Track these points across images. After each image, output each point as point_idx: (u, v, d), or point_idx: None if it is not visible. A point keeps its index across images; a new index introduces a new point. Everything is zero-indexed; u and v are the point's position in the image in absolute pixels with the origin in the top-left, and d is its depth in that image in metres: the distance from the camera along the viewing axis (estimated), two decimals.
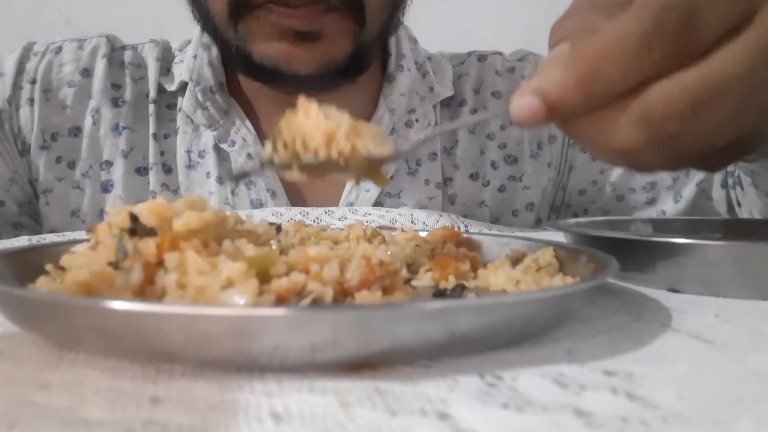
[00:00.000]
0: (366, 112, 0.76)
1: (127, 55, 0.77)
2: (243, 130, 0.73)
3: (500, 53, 0.85)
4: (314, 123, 0.33)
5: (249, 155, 0.72)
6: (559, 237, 0.48)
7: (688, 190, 0.80)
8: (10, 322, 0.27)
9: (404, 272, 0.34)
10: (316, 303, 0.25)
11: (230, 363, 0.23)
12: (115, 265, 0.26)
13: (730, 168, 0.76)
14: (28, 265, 0.31)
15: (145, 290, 0.26)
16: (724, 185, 0.78)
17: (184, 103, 0.74)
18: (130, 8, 1.37)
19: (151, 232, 0.27)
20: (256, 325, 0.21)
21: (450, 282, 0.36)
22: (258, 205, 0.73)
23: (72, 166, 0.74)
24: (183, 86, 0.74)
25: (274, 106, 0.72)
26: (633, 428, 0.18)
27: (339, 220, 0.66)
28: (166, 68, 0.77)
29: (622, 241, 0.40)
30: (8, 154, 0.73)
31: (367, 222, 0.63)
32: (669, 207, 0.81)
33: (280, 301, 0.25)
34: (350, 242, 0.43)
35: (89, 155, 0.74)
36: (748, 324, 0.30)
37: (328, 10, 0.62)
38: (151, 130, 0.74)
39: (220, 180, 0.73)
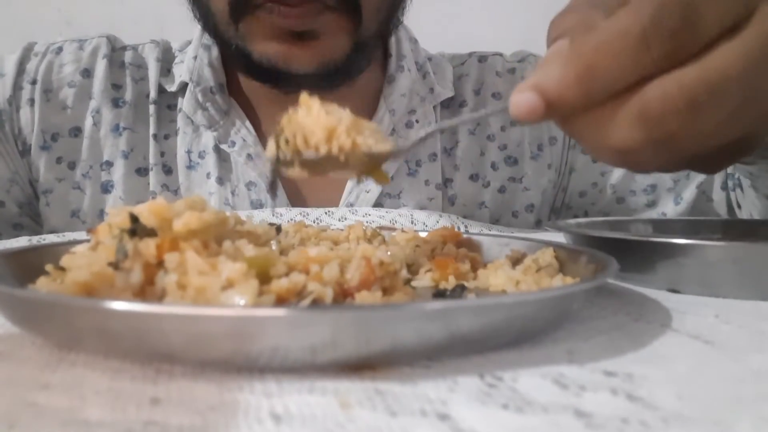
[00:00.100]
0: (366, 112, 0.76)
1: (128, 56, 0.77)
2: (243, 131, 0.73)
3: (501, 54, 0.85)
4: (315, 119, 0.33)
5: (249, 156, 0.72)
6: (559, 237, 0.48)
7: (689, 192, 0.80)
8: (10, 323, 0.27)
9: (404, 273, 0.34)
10: (316, 303, 0.25)
11: (230, 363, 0.23)
12: (115, 266, 0.26)
13: (729, 170, 0.76)
14: (28, 266, 0.31)
15: (145, 291, 0.26)
16: (724, 187, 0.78)
17: (184, 103, 0.74)
18: (130, 8, 1.37)
19: (151, 233, 0.27)
20: (256, 325, 0.21)
21: (450, 282, 0.36)
22: (258, 205, 0.73)
23: (72, 166, 0.74)
24: (183, 87, 0.74)
25: (274, 107, 0.71)
26: (633, 429, 0.18)
27: (339, 220, 0.66)
28: (166, 69, 0.77)
29: (622, 242, 0.40)
30: (8, 155, 0.73)
31: (367, 222, 0.63)
32: (669, 209, 0.81)
33: (280, 301, 0.25)
34: (350, 243, 0.43)
35: (89, 156, 0.74)
36: (748, 324, 0.30)
37: (324, 9, 0.62)
38: (152, 130, 0.74)
39: (220, 180, 0.73)
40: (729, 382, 0.22)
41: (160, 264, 0.26)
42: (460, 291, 0.34)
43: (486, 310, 0.24)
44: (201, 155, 0.74)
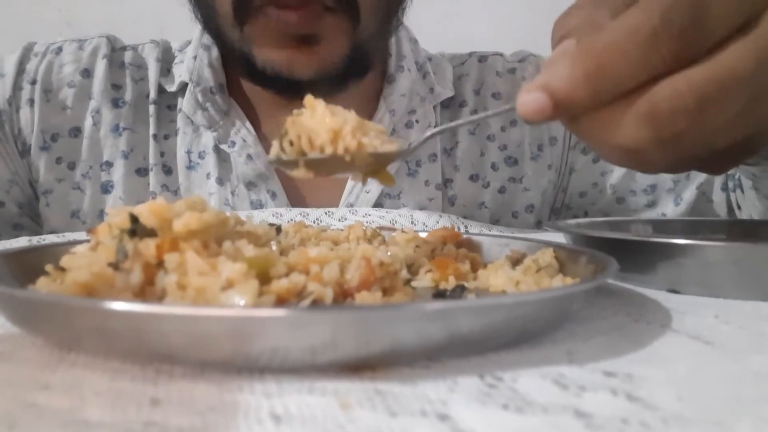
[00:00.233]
0: (366, 112, 0.76)
1: (128, 56, 0.77)
2: (243, 131, 0.73)
3: (501, 54, 0.85)
4: (320, 120, 0.33)
5: (249, 156, 0.72)
6: (559, 238, 0.48)
7: (689, 193, 0.80)
8: (10, 323, 0.27)
9: (404, 273, 0.34)
10: (316, 304, 0.25)
11: (230, 364, 0.23)
12: (115, 266, 0.26)
13: (730, 171, 0.76)
14: (28, 266, 0.31)
15: (145, 291, 0.26)
16: (725, 188, 0.78)
17: (184, 103, 0.74)
18: (130, 9, 1.37)
19: (151, 233, 0.27)
20: (256, 326, 0.21)
21: (450, 283, 0.36)
22: (258, 206, 0.73)
23: (72, 166, 0.74)
24: (183, 87, 0.74)
25: (275, 108, 0.72)
26: (633, 429, 0.18)
27: (339, 221, 0.66)
28: (166, 69, 0.77)
29: (622, 242, 0.40)
30: (8, 155, 0.73)
31: (367, 223, 0.63)
32: (669, 210, 0.81)
33: (280, 302, 0.25)
34: (350, 243, 0.43)
35: (89, 156, 0.74)
36: (748, 325, 0.30)
37: (324, 11, 0.62)
38: (152, 130, 0.74)
39: (220, 181, 0.73)
40: (729, 382, 0.22)
41: (160, 264, 0.26)
42: (460, 291, 0.34)
43: (486, 311, 0.24)
44: (201, 155, 0.74)
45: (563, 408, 0.20)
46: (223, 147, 0.73)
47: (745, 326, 0.30)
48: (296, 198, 0.75)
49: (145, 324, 0.22)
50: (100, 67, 0.75)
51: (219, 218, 0.29)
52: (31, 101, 0.73)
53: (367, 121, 0.34)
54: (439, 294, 0.34)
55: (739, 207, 0.76)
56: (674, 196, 0.81)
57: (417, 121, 0.77)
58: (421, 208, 0.76)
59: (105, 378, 0.22)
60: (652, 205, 0.82)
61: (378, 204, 0.75)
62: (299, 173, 0.34)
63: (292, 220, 0.64)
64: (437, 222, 0.67)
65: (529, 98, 0.29)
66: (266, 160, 0.72)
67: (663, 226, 0.59)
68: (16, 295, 0.25)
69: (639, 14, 0.27)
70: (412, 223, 0.67)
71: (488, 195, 0.80)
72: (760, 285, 0.35)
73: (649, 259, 0.38)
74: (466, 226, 0.69)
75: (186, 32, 0.78)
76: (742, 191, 0.72)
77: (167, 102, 0.76)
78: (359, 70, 0.70)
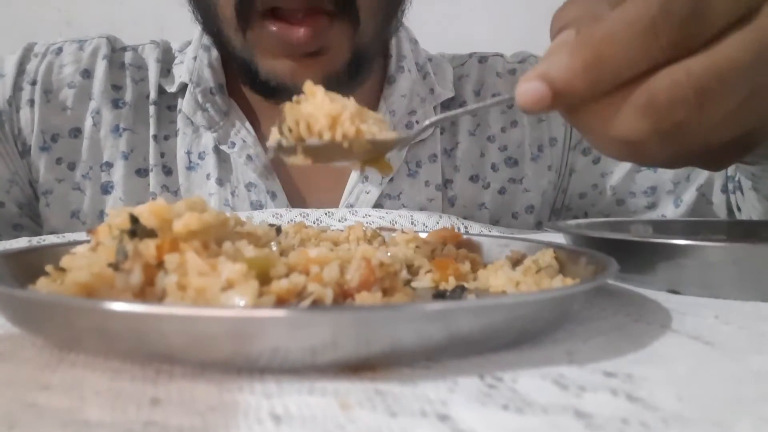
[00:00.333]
0: None
1: (128, 57, 0.77)
2: (243, 132, 0.73)
3: (501, 55, 0.85)
4: (319, 106, 0.33)
5: (249, 157, 0.72)
6: (559, 238, 0.48)
7: (689, 195, 0.80)
8: (10, 324, 0.27)
9: (404, 273, 0.34)
10: (316, 304, 0.25)
11: (230, 364, 0.23)
12: (115, 267, 0.26)
13: (730, 172, 0.76)
14: (28, 267, 0.31)
15: (145, 291, 0.26)
16: (725, 190, 0.78)
17: (184, 104, 0.74)
18: (130, 9, 1.37)
19: (151, 234, 0.27)
20: (256, 326, 0.21)
21: (450, 283, 0.36)
22: (258, 206, 0.73)
23: (72, 167, 0.74)
24: (183, 88, 0.74)
25: (274, 108, 0.71)
26: (633, 429, 0.18)
27: (339, 221, 0.66)
28: (166, 69, 0.77)
29: (622, 243, 0.40)
30: (8, 156, 0.73)
31: (367, 223, 0.63)
32: (669, 211, 0.81)
33: (280, 302, 0.25)
34: (350, 243, 0.43)
35: (89, 156, 0.74)
36: (748, 325, 0.30)
37: (329, 21, 0.62)
38: (152, 131, 0.74)
39: (219, 182, 0.73)
40: (729, 382, 0.22)
41: (160, 265, 0.26)
42: (460, 292, 0.34)
43: (486, 311, 0.24)
44: (201, 156, 0.74)
45: (563, 408, 0.20)
46: (223, 148, 0.73)
47: (745, 326, 0.30)
48: (296, 199, 0.75)
49: (145, 324, 0.22)
50: (100, 68, 0.75)
51: (219, 219, 0.29)
52: (31, 102, 0.73)
53: (366, 109, 0.34)
54: (439, 294, 0.34)
55: (739, 209, 0.76)
56: (674, 198, 0.81)
57: (417, 122, 0.77)
58: (421, 209, 0.76)
59: (105, 378, 0.22)
60: (652, 206, 0.82)
61: (378, 205, 0.75)
62: (297, 160, 0.33)
63: (292, 220, 0.64)
64: (437, 222, 0.67)
65: (528, 87, 0.29)
66: (265, 160, 0.72)
67: (663, 226, 0.59)
68: (16, 295, 0.25)
69: (638, 4, 0.27)
70: (412, 223, 0.67)
71: (488, 196, 0.80)
72: (760, 285, 0.35)
73: (649, 259, 0.38)
74: (466, 227, 0.69)
75: (186, 32, 0.78)
76: (742, 193, 0.72)
77: (167, 102, 0.76)
78: (360, 73, 0.70)
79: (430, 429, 0.18)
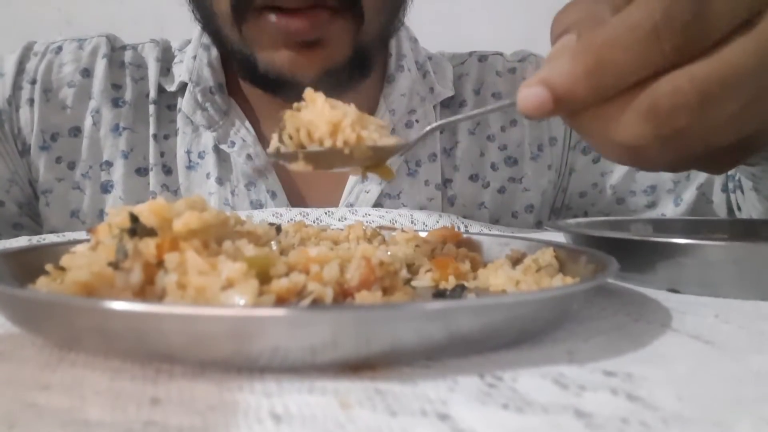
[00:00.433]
0: (366, 112, 0.76)
1: (128, 55, 0.77)
2: (243, 131, 0.73)
3: (501, 54, 0.85)
4: (320, 113, 0.33)
5: (249, 156, 0.72)
6: (559, 237, 0.48)
7: (689, 194, 0.80)
8: (10, 323, 0.27)
9: (404, 272, 0.34)
10: (316, 303, 0.25)
11: (230, 363, 0.23)
12: (115, 266, 0.26)
13: (731, 172, 0.76)
14: (28, 266, 0.31)
15: (145, 291, 0.26)
16: (725, 189, 0.78)
17: (184, 103, 0.74)
18: (130, 8, 1.37)
19: (151, 233, 0.27)
20: (256, 325, 0.21)
21: (450, 282, 0.36)
22: (258, 206, 0.73)
23: (72, 166, 0.74)
24: (183, 87, 0.74)
25: (274, 107, 0.71)
26: (633, 429, 0.18)
27: (339, 220, 0.66)
28: (166, 68, 0.77)
29: (622, 242, 0.40)
30: (8, 155, 0.73)
31: (366, 222, 0.63)
32: (669, 210, 0.81)
33: (280, 301, 0.25)
34: (350, 242, 0.43)
35: (89, 156, 0.74)
36: (748, 325, 0.30)
37: (331, 16, 0.61)
38: (152, 130, 0.74)
39: (219, 181, 0.73)
40: (729, 382, 0.22)
41: (160, 264, 0.26)
42: (460, 291, 0.34)
43: (486, 310, 0.24)
44: (201, 155, 0.74)
45: (563, 408, 0.20)
46: (223, 147, 0.73)
47: (745, 326, 0.30)
48: (296, 198, 0.75)
49: (145, 324, 0.22)
50: (100, 67, 0.75)
51: (219, 218, 0.29)
52: (31, 101, 0.73)
53: (366, 115, 0.34)
54: (439, 294, 0.34)
55: (739, 208, 0.75)
56: (674, 197, 0.81)
57: (417, 121, 0.77)
58: (421, 208, 0.75)
59: (105, 378, 0.22)
60: (652, 205, 0.82)
61: (378, 204, 0.75)
62: (298, 166, 0.34)
63: (292, 219, 0.64)
64: (437, 222, 0.67)
65: (530, 93, 0.29)
66: (266, 159, 0.72)
67: (663, 225, 0.59)
68: (16, 295, 0.25)
69: (641, 9, 0.27)
70: (412, 222, 0.67)
71: (488, 195, 0.80)
72: (760, 285, 0.35)
73: (649, 258, 0.38)
74: (466, 226, 0.69)
75: (186, 32, 0.78)
76: (743, 192, 0.72)
77: (167, 102, 0.76)
78: (361, 71, 0.70)
79: (430, 428, 0.18)
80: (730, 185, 0.77)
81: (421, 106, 0.78)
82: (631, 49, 0.27)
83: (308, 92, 0.34)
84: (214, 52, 0.74)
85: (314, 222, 0.65)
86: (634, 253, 0.39)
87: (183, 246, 0.26)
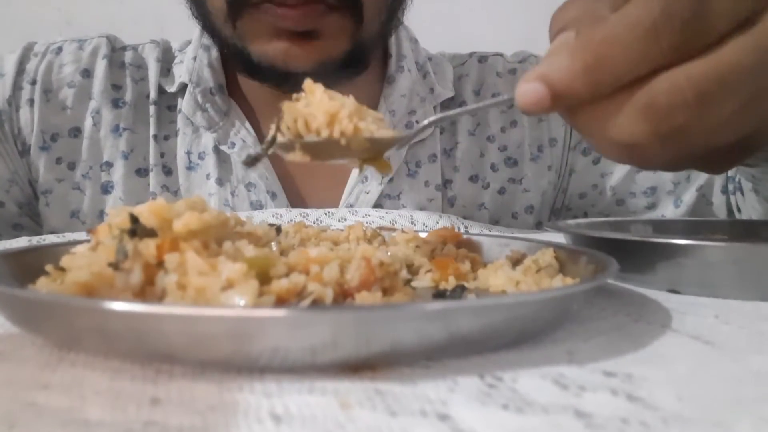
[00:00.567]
0: None
1: (128, 56, 0.77)
2: (243, 132, 0.73)
3: (501, 55, 0.85)
4: (318, 103, 0.33)
5: (250, 156, 0.72)
6: (559, 238, 0.48)
7: (689, 195, 0.80)
8: (10, 323, 0.27)
9: (404, 273, 0.34)
10: (316, 304, 0.25)
11: (230, 364, 0.23)
12: (115, 266, 0.26)
13: (730, 173, 0.76)
14: (28, 266, 0.31)
15: (145, 291, 0.26)
16: (725, 191, 0.78)
17: (184, 104, 0.74)
18: (130, 8, 1.37)
19: (151, 233, 0.27)
20: (256, 326, 0.21)
21: (450, 283, 0.36)
22: (258, 206, 0.73)
23: (72, 167, 0.74)
24: (183, 87, 0.74)
25: (274, 108, 0.71)
26: (633, 429, 0.18)
27: (339, 221, 0.66)
28: (166, 69, 0.77)
29: (622, 242, 0.40)
30: (8, 155, 0.73)
31: (367, 223, 0.63)
32: (669, 212, 0.81)
33: (280, 302, 0.25)
34: (350, 243, 0.43)
35: (89, 156, 0.74)
36: (748, 325, 0.30)
37: (326, 10, 0.62)
38: (152, 131, 0.74)
39: (219, 182, 0.73)
40: (729, 382, 0.22)
41: (160, 264, 0.26)
42: (460, 291, 0.34)
43: (486, 311, 0.24)
44: (201, 156, 0.74)
45: (563, 408, 0.20)
46: (223, 148, 0.73)
47: (745, 326, 0.30)
48: (296, 199, 0.75)
49: (145, 324, 0.22)
50: (100, 67, 0.75)
51: (219, 218, 0.29)
52: (31, 101, 0.73)
53: (364, 107, 0.34)
54: (439, 294, 0.34)
55: (739, 210, 0.75)
56: (674, 199, 0.81)
57: (417, 122, 0.77)
58: (421, 209, 0.75)
59: (105, 378, 0.22)
60: (651, 207, 0.82)
61: (378, 204, 0.75)
62: (295, 156, 0.33)
63: (292, 220, 0.64)
64: (437, 222, 0.67)
65: (528, 88, 0.29)
66: (266, 160, 0.72)
67: (663, 226, 0.59)
68: (16, 295, 0.25)
69: (640, 7, 0.27)
70: (411, 223, 0.67)
71: (488, 196, 0.80)
72: (760, 285, 0.35)
73: (649, 259, 0.38)
74: (466, 227, 0.69)
75: (186, 32, 0.78)
76: (742, 194, 0.72)
77: (167, 102, 0.76)
78: (357, 66, 0.70)
79: (430, 429, 0.18)
80: (730, 187, 0.77)
81: (422, 107, 0.78)
82: (630, 47, 0.27)
83: (307, 83, 0.34)
84: (215, 52, 0.74)
85: (314, 223, 0.65)
86: (634, 253, 0.39)
87: (183, 246, 0.26)
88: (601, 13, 0.29)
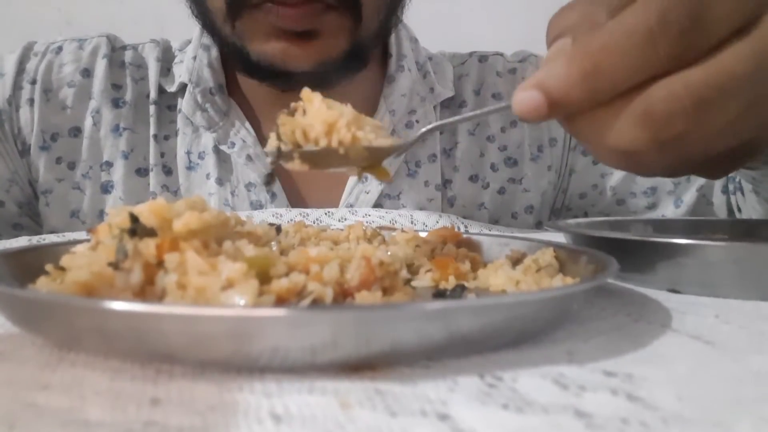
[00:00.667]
0: (366, 112, 0.75)
1: (128, 56, 0.77)
2: (243, 132, 0.73)
3: (501, 54, 0.85)
4: (316, 113, 0.33)
5: (249, 157, 0.72)
6: (559, 237, 0.48)
7: (689, 195, 0.80)
8: (10, 323, 0.27)
9: (404, 273, 0.34)
10: (316, 303, 0.25)
11: (230, 364, 0.23)
12: (115, 266, 0.26)
13: (731, 174, 0.76)
14: (28, 266, 0.31)
15: (145, 291, 0.26)
16: (725, 191, 0.78)
17: (184, 104, 0.74)
18: (130, 8, 1.37)
19: (151, 233, 0.27)
20: (256, 325, 0.21)
21: (450, 282, 0.36)
22: (258, 206, 0.73)
23: (72, 166, 0.74)
24: (183, 87, 0.74)
25: (274, 108, 0.71)
26: (633, 429, 0.18)
27: (339, 221, 0.66)
28: (166, 68, 0.77)
29: (622, 242, 0.40)
30: (8, 155, 0.73)
31: (366, 223, 0.63)
32: (669, 212, 0.81)
33: (280, 301, 0.25)
34: (350, 243, 0.43)
35: (89, 156, 0.74)
36: (749, 325, 0.30)
37: (325, 9, 0.62)
38: (152, 131, 0.74)
39: (219, 181, 0.73)
40: (729, 382, 0.22)
41: (160, 264, 0.26)
42: (460, 291, 0.34)
43: (486, 310, 0.24)
44: (201, 156, 0.74)
45: (563, 408, 0.20)
46: (223, 148, 0.73)
47: (745, 326, 0.30)
48: (296, 198, 0.75)
49: (145, 324, 0.22)
50: (100, 67, 0.75)
51: (219, 218, 0.29)
52: (31, 101, 0.73)
53: (363, 116, 0.34)
54: (439, 294, 0.34)
55: (739, 209, 0.75)
56: (674, 199, 0.81)
57: (417, 121, 0.77)
58: (421, 209, 0.75)
59: (105, 378, 0.22)
60: (652, 207, 0.82)
61: (378, 204, 0.75)
62: (294, 166, 0.34)
63: (292, 220, 0.64)
64: (437, 222, 0.67)
65: (525, 96, 0.29)
66: (266, 162, 0.72)
67: (663, 225, 0.59)
68: (16, 295, 0.25)
69: (637, 14, 0.27)
70: (411, 222, 0.67)
71: (488, 196, 0.80)
72: (761, 285, 0.35)
73: (650, 258, 0.38)
74: (466, 226, 0.69)
75: (186, 32, 0.78)
76: (743, 194, 0.72)
77: (167, 102, 0.76)
78: (356, 65, 0.70)
79: (430, 428, 0.18)
80: (731, 187, 0.77)
81: (422, 107, 0.78)
82: (627, 54, 0.27)
83: (305, 92, 0.34)
84: (215, 52, 0.74)
85: (314, 222, 0.65)
86: (635, 253, 0.39)
87: (183, 246, 0.26)
88: (599, 20, 0.29)
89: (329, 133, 0.33)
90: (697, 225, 0.56)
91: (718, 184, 0.78)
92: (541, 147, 0.81)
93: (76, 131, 0.74)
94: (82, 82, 0.74)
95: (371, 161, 0.34)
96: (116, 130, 0.74)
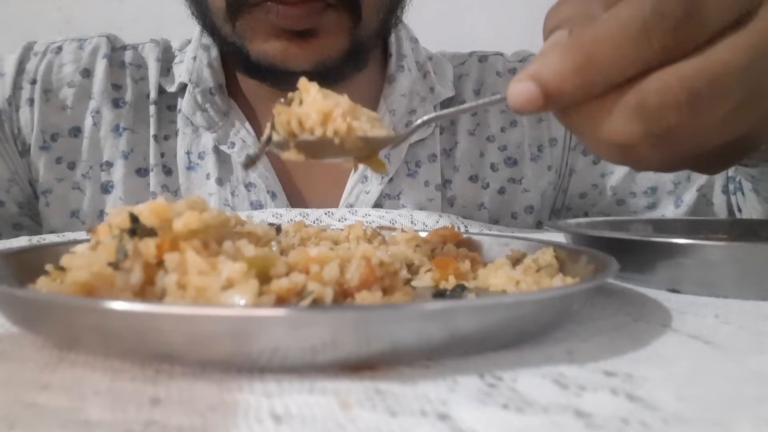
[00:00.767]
0: None
1: (128, 56, 0.77)
2: (242, 132, 0.73)
3: (501, 54, 0.85)
4: (312, 102, 0.33)
5: (249, 157, 0.72)
6: (559, 237, 0.48)
7: (689, 195, 0.79)
8: (10, 323, 0.27)
9: (404, 273, 0.34)
10: (316, 303, 0.25)
11: (230, 364, 0.23)
12: (115, 266, 0.26)
13: (730, 173, 0.76)
14: (28, 266, 0.31)
15: (145, 291, 0.26)
16: (725, 191, 0.78)
17: (184, 104, 0.74)
18: (130, 8, 1.37)
19: (151, 233, 0.27)
20: (256, 325, 0.21)
21: (450, 282, 0.36)
22: (258, 206, 0.73)
23: (72, 166, 0.74)
24: (183, 87, 0.74)
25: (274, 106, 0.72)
26: (633, 429, 0.18)
27: (339, 221, 0.66)
28: (166, 68, 0.77)
29: (622, 242, 0.40)
30: (8, 155, 0.73)
31: (367, 223, 0.63)
32: (669, 212, 0.81)
33: (280, 301, 0.25)
34: (350, 243, 0.43)
35: (89, 156, 0.74)
36: (748, 325, 0.30)
37: (325, 8, 0.62)
38: (152, 131, 0.74)
39: (219, 181, 0.73)
40: (729, 382, 0.22)
41: (160, 264, 0.26)
42: (460, 291, 0.34)
43: (486, 310, 0.24)
44: (201, 156, 0.74)
45: (563, 408, 0.20)
46: (223, 148, 0.73)
47: (745, 326, 0.30)
48: (296, 198, 0.75)
49: (145, 324, 0.22)
50: (100, 67, 0.75)
51: (219, 218, 0.29)
52: (31, 101, 0.73)
53: (359, 106, 0.34)
54: (439, 294, 0.34)
55: (739, 209, 0.75)
56: (674, 198, 0.81)
57: None
58: (421, 209, 0.75)
59: (105, 377, 0.22)
60: (652, 207, 0.82)
61: (378, 204, 0.75)
62: (290, 155, 0.34)
63: (292, 220, 0.64)
64: (437, 222, 0.67)
65: (520, 88, 0.29)
66: (265, 161, 0.72)
67: (663, 225, 0.59)
68: (16, 295, 0.25)
69: (631, 6, 0.27)
70: (411, 222, 0.67)
71: (487, 196, 0.80)
72: (761, 285, 0.35)
73: (650, 258, 0.38)
74: (466, 226, 0.69)
75: (186, 32, 0.78)
76: (743, 194, 0.72)
77: (167, 102, 0.76)
78: (356, 64, 0.70)
79: (430, 428, 0.18)
80: (731, 187, 0.77)
81: (422, 107, 0.78)
82: (621, 46, 0.27)
83: (302, 81, 0.34)
84: (214, 52, 0.74)
85: (314, 222, 0.65)
86: (634, 253, 0.39)
87: (183, 246, 0.26)
88: (594, 13, 0.29)
89: (325, 122, 0.33)
90: (697, 225, 0.56)
91: (719, 184, 0.78)
92: (541, 147, 0.81)
93: (76, 131, 0.74)
94: (82, 82, 0.74)
95: (367, 152, 0.34)
96: (116, 130, 0.74)
